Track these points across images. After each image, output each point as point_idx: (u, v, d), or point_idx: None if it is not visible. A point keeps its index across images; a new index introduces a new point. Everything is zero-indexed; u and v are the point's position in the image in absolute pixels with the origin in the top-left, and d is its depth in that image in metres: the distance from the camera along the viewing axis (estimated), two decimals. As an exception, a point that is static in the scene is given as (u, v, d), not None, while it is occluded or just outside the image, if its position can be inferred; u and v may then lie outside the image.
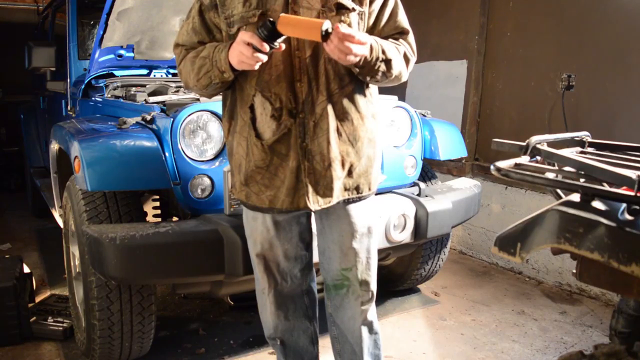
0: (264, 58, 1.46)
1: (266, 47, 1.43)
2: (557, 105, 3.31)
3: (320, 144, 1.58)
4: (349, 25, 1.56)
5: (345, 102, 1.60)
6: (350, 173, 1.65)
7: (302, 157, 1.58)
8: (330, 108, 1.58)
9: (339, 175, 1.62)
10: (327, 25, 1.37)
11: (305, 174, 1.59)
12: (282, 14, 1.43)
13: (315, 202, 1.60)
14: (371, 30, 1.65)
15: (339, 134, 1.60)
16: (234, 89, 1.66)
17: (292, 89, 1.56)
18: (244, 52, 1.44)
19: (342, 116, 1.60)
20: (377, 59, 1.53)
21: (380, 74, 1.58)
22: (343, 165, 1.63)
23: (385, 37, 1.65)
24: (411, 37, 1.70)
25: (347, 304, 1.80)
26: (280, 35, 1.42)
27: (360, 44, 1.44)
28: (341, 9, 1.55)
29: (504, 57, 3.71)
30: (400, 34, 1.68)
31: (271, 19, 1.42)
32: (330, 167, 1.59)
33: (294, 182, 1.59)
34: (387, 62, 1.56)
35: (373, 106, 1.70)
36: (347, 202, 1.69)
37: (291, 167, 1.59)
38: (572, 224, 1.05)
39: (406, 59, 1.66)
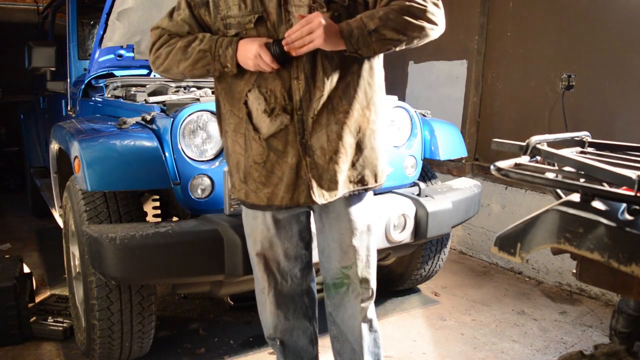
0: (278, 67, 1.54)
1: (277, 66, 1.53)
2: (557, 105, 3.31)
3: (320, 139, 1.58)
4: (340, 18, 1.54)
5: (344, 95, 1.60)
6: (353, 165, 1.65)
7: (303, 153, 1.58)
8: (328, 103, 1.57)
9: (342, 168, 1.62)
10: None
11: (307, 170, 1.59)
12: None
13: (320, 196, 1.60)
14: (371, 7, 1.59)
15: (340, 126, 1.60)
16: (220, 89, 1.68)
17: (287, 86, 1.56)
18: (264, 67, 1.52)
19: (341, 109, 1.59)
20: (362, 34, 1.48)
21: (380, 44, 1.51)
22: (346, 157, 1.62)
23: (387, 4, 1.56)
24: None
25: (347, 302, 1.80)
26: (292, 58, 1.53)
27: (307, 26, 1.45)
28: (331, 3, 1.55)
29: (504, 57, 3.71)
30: None
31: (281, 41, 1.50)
32: (331, 160, 1.59)
33: (293, 179, 1.60)
34: (375, 30, 1.48)
35: (376, 98, 1.68)
36: (348, 198, 1.69)
37: (290, 164, 1.59)
38: (572, 224, 1.05)
39: (410, 13, 1.50)
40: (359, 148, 1.65)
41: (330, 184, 1.61)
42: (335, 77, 1.58)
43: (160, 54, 1.66)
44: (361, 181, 1.68)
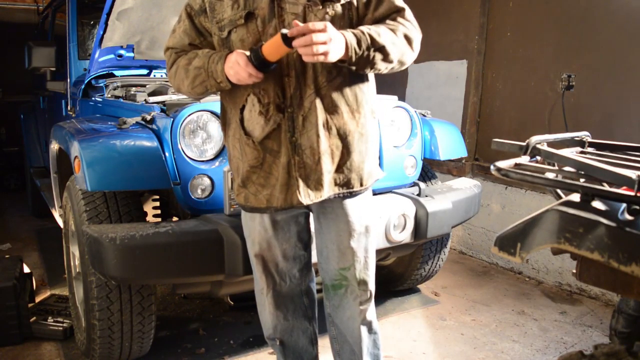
0: (261, 77, 1.51)
1: (260, 75, 1.51)
2: (557, 105, 3.31)
3: (310, 138, 1.58)
4: (335, 17, 1.55)
5: (334, 96, 1.60)
6: (339, 167, 1.64)
7: (292, 151, 1.58)
8: (318, 101, 1.57)
9: (328, 169, 1.62)
10: (284, 31, 1.43)
11: (295, 169, 1.59)
12: (264, 45, 1.48)
13: (306, 196, 1.60)
14: (364, 16, 1.62)
15: (328, 127, 1.60)
16: (224, 95, 1.69)
17: (280, 84, 1.56)
18: (241, 74, 1.50)
19: (331, 109, 1.59)
20: (368, 49, 1.50)
21: (379, 63, 1.55)
22: (334, 159, 1.62)
23: (382, 19, 1.61)
24: (409, 13, 1.64)
25: (345, 304, 1.80)
26: (270, 64, 1.49)
27: (318, 31, 1.40)
28: (327, 1, 1.55)
29: (504, 57, 3.71)
30: (396, 12, 1.63)
31: (260, 45, 1.48)
32: (320, 160, 1.59)
33: (286, 178, 1.60)
34: (381, 49, 1.52)
35: (366, 101, 1.68)
36: (344, 199, 1.69)
37: (282, 163, 1.59)
38: (572, 224, 1.05)
39: (408, 39, 1.59)
40: (347, 151, 1.64)
41: (317, 185, 1.61)
42: (326, 77, 1.58)
43: (171, 74, 1.68)
44: (347, 184, 1.67)
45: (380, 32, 1.53)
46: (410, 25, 1.62)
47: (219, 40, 1.62)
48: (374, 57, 1.52)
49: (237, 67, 1.49)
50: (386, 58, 1.55)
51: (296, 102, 1.57)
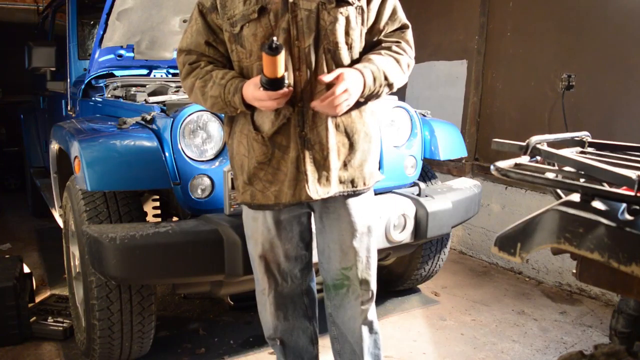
0: (285, 99, 1.52)
1: (286, 91, 1.50)
2: (557, 105, 3.31)
3: (319, 133, 1.59)
4: (347, 18, 1.58)
5: None
6: (345, 165, 1.66)
7: (302, 146, 1.59)
8: None
9: (335, 166, 1.63)
10: (264, 44, 1.41)
11: (304, 163, 1.59)
12: (263, 70, 1.45)
13: (315, 192, 1.61)
14: (372, 29, 1.67)
15: (336, 124, 1.62)
16: None
17: (291, 78, 1.56)
18: (270, 103, 1.51)
19: None
20: (380, 85, 1.60)
21: (383, 95, 1.67)
22: (341, 156, 1.64)
23: (388, 35, 1.68)
24: (410, 32, 1.73)
25: (347, 304, 1.80)
26: (281, 79, 1.46)
27: (339, 95, 1.49)
28: (341, 1, 1.56)
29: (504, 57, 3.71)
30: (401, 29, 1.71)
31: (262, 73, 1.46)
32: (328, 156, 1.60)
33: (294, 174, 1.60)
34: (390, 85, 1.64)
35: (372, 102, 1.71)
36: (346, 198, 1.70)
37: (291, 158, 1.60)
38: (572, 224, 1.05)
39: (407, 67, 1.70)
40: (352, 149, 1.66)
41: (325, 181, 1.62)
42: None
43: (185, 85, 1.69)
44: (352, 182, 1.68)
45: (391, 67, 1.63)
46: (410, 49, 1.71)
47: (230, 36, 1.62)
48: (382, 92, 1.63)
49: (262, 102, 1.50)
50: (390, 90, 1.66)
51: (307, 96, 1.57)
